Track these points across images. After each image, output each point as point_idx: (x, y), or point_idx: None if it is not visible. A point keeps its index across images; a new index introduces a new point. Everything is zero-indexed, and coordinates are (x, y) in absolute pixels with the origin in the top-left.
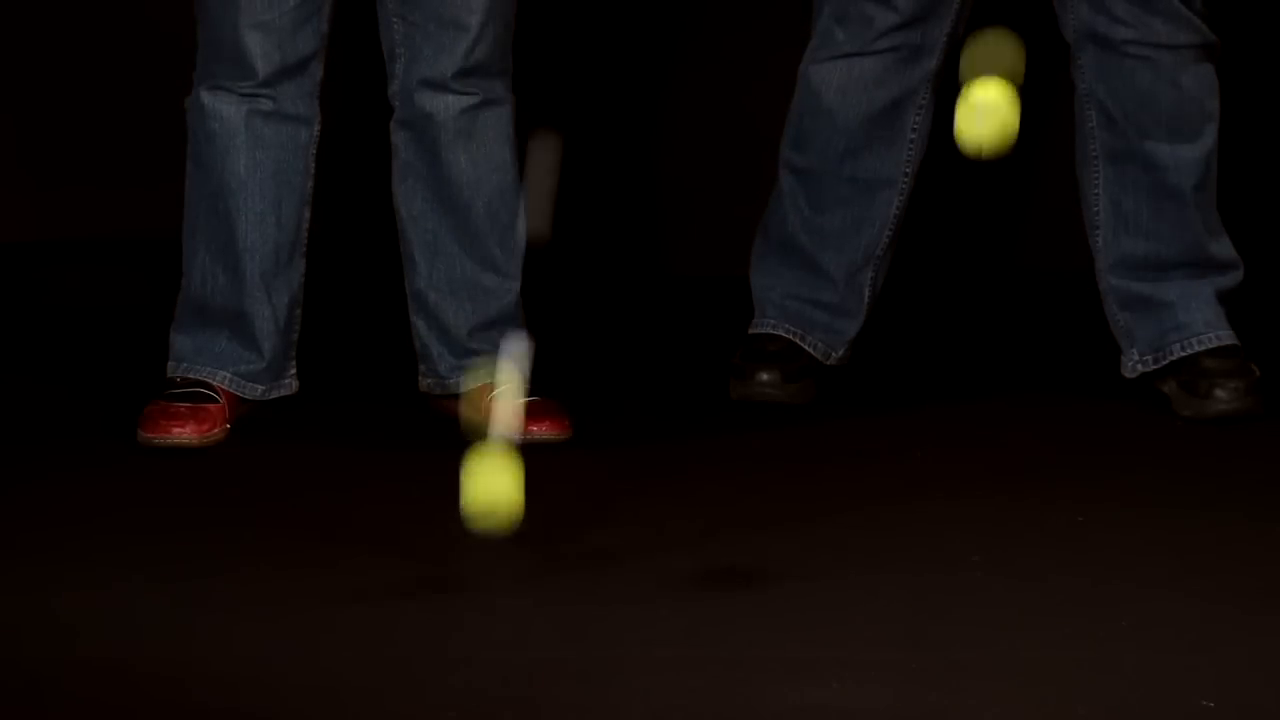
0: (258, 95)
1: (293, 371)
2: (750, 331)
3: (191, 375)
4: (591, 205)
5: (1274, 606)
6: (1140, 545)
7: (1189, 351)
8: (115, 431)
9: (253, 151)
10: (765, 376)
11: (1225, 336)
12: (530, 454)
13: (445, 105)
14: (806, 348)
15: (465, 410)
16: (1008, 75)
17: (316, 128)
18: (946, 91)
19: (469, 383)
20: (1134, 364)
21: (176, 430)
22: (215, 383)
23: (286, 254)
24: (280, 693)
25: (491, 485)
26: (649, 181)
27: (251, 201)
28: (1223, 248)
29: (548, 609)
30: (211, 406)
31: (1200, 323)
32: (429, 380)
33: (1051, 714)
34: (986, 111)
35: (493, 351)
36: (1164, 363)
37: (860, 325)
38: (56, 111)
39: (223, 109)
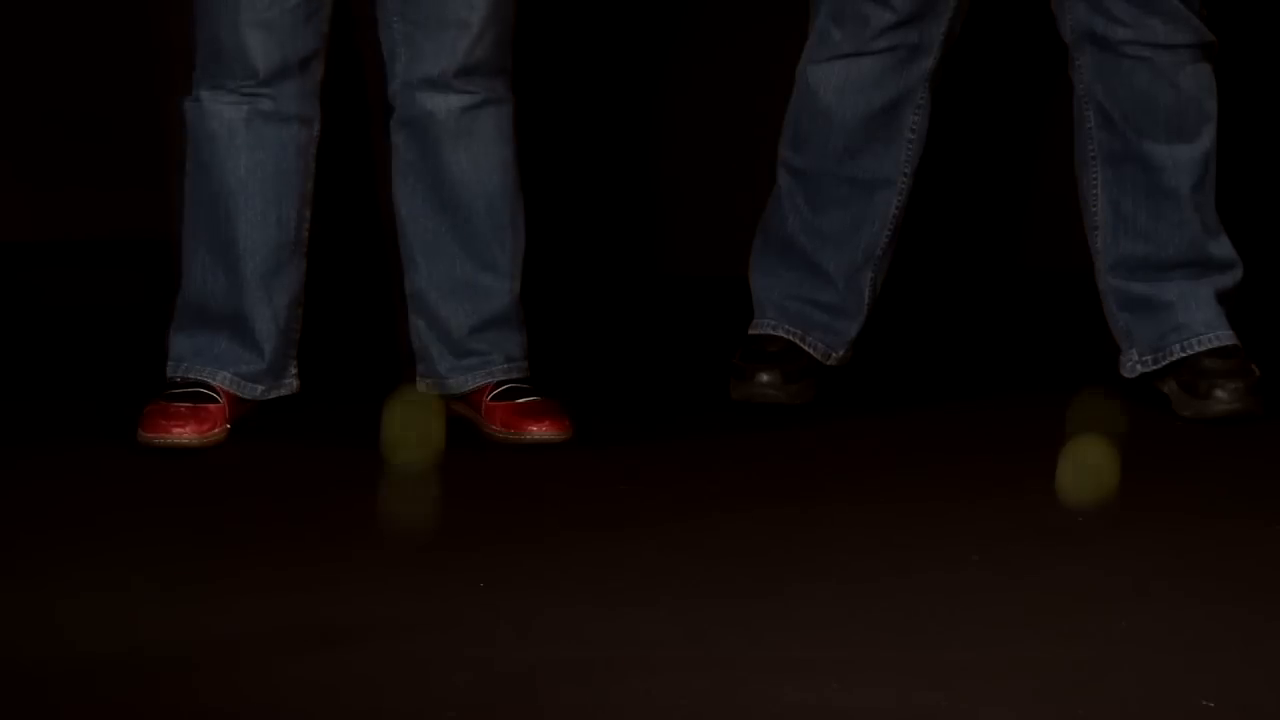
0: (258, 95)
1: (294, 371)
2: (750, 332)
3: (192, 376)
4: (590, 205)
5: (1274, 606)
6: (1140, 545)
7: (1189, 352)
8: (115, 431)
9: (253, 152)
10: (765, 377)
11: (1225, 337)
12: (530, 454)
13: (446, 104)
14: (806, 348)
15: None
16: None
17: (316, 128)
18: (944, 90)
19: (467, 383)
20: (1133, 364)
21: (176, 430)
22: (215, 383)
23: (287, 254)
24: (280, 692)
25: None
26: (648, 181)
27: (252, 202)
28: (1222, 248)
29: (548, 609)
30: (211, 406)
31: (1200, 323)
32: (428, 380)
33: (1051, 714)
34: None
35: (490, 352)
36: (1164, 363)
37: (860, 325)
38: (56, 112)
39: (223, 110)
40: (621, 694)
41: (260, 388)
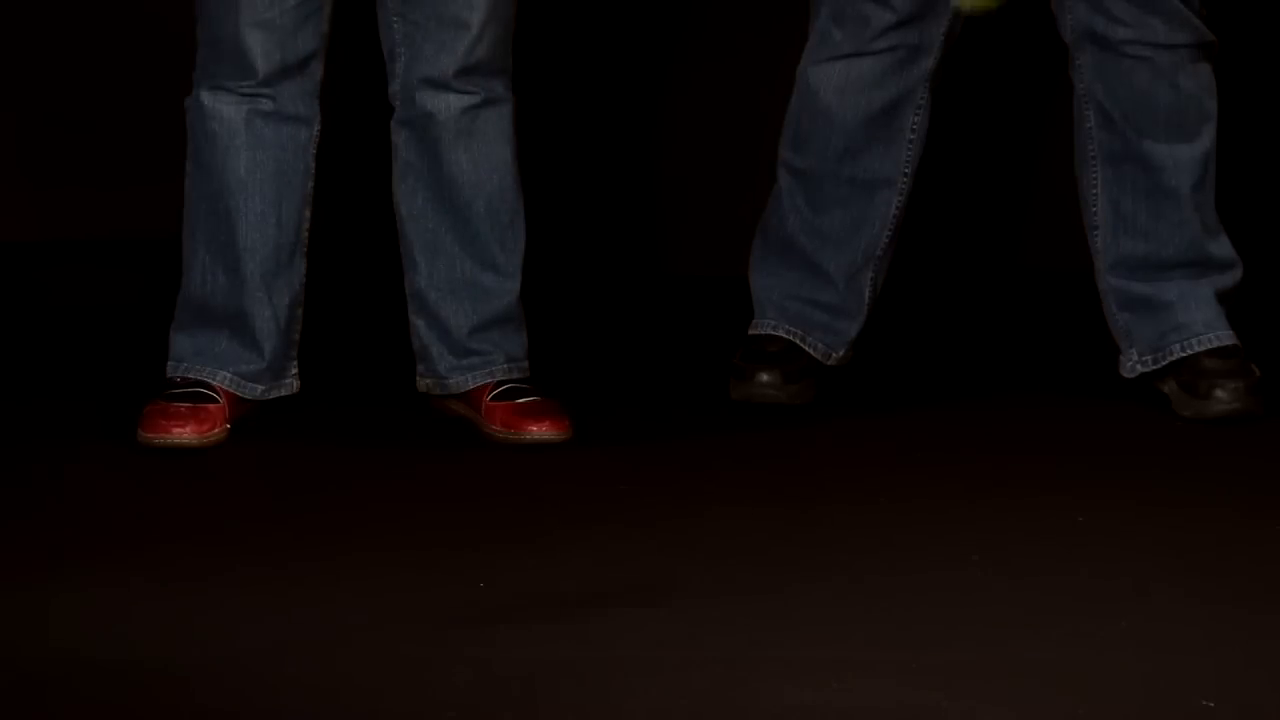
0: (258, 95)
1: (294, 371)
2: (750, 332)
3: (191, 375)
4: (591, 205)
5: (1274, 606)
6: (1140, 545)
7: (1189, 352)
8: (115, 432)
9: (253, 152)
10: (765, 377)
11: (1225, 336)
12: (530, 454)
13: (446, 104)
14: (807, 348)
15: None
16: None
17: (317, 128)
18: (944, 91)
19: (468, 383)
20: (1133, 364)
21: (176, 430)
22: (215, 383)
23: (287, 254)
24: (280, 693)
25: None
26: (649, 181)
27: (252, 202)
28: (1222, 247)
29: (547, 609)
30: (211, 406)
31: (1200, 323)
32: (428, 380)
33: (1051, 714)
34: None
35: (491, 351)
36: (1164, 363)
37: (861, 325)
38: (56, 111)
39: (223, 109)
40: (621, 694)
41: (260, 388)
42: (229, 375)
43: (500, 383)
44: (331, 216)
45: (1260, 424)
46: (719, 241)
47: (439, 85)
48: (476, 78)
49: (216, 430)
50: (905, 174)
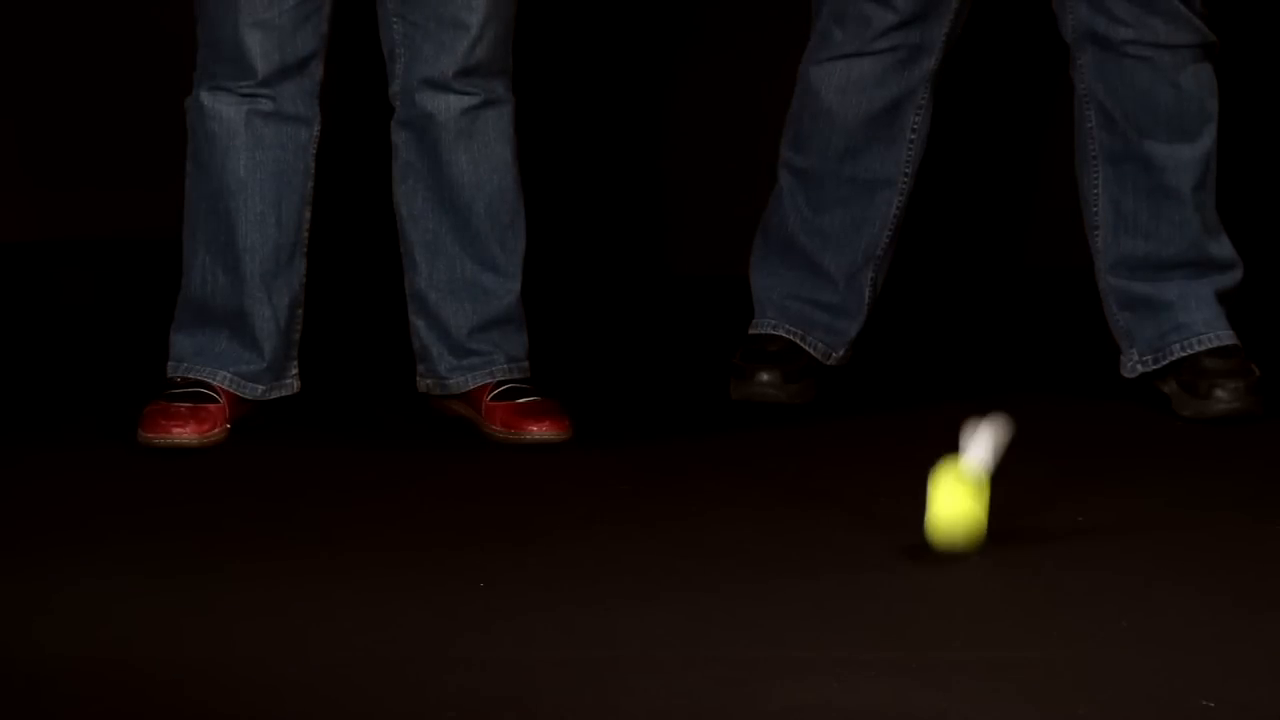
0: (257, 95)
1: (295, 372)
2: (750, 332)
3: (192, 375)
4: (592, 205)
5: (1275, 606)
6: (1140, 545)
7: (1189, 351)
8: (115, 431)
9: (253, 152)
10: (765, 377)
11: (1225, 336)
12: (530, 454)
13: (446, 105)
14: (807, 348)
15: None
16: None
17: (317, 128)
18: (945, 91)
19: (468, 383)
20: (1134, 364)
21: (176, 430)
22: (215, 383)
23: (287, 254)
24: (279, 693)
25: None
26: (650, 181)
27: (251, 202)
28: (1222, 247)
29: (548, 609)
30: (211, 406)
31: (1200, 323)
32: (428, 380)
33: (1051, 714)
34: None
35: (492, 352)
36: (1164, 363)
37: (861, 325)
38: (56, 112)
39: (222, 109)
40: (621, 694)
41: (260, 388)
42: (229, 375)
43: (500, 383)
44: (331, 216)
45: (1260, 424)
46: (719, 241)
47: (439, 86)
48: (476, 79)
49: (216, 430)
50: (906, 174)
